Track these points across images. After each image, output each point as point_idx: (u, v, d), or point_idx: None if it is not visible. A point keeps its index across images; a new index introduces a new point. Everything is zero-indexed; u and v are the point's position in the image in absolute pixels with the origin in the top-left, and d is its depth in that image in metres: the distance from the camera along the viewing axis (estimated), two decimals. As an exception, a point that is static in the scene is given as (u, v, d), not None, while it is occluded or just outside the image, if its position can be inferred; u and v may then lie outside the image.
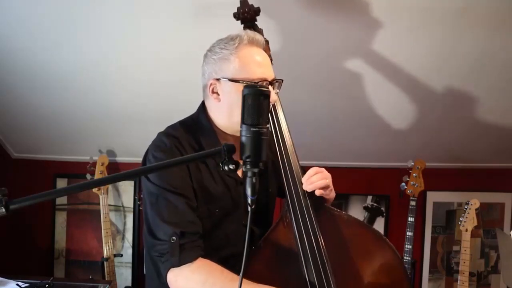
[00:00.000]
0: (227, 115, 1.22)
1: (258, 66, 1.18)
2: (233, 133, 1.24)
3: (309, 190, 1.24)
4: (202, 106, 1.30)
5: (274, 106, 1.32)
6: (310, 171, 1.26)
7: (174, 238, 1.11)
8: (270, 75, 1.20)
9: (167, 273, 1.13)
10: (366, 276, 1.21)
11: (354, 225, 1.27)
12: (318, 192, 1.24)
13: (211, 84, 1.21)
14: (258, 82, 1.16)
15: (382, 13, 1.79)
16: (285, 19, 1.80)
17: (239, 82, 1.16)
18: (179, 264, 1.11)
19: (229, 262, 1.16)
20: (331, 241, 1.20)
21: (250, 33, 1.21)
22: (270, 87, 1.18)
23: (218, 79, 1.19)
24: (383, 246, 1.24)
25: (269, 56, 1.35)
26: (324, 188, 1.24)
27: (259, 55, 1.20)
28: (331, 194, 1.31)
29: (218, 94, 1.21)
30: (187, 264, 1.11)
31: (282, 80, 1.25)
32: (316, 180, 1.24)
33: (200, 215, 1.20)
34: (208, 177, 1.23)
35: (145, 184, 1.21)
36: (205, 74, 1.24)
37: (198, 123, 1.27)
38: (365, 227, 1.32)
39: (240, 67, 1.17)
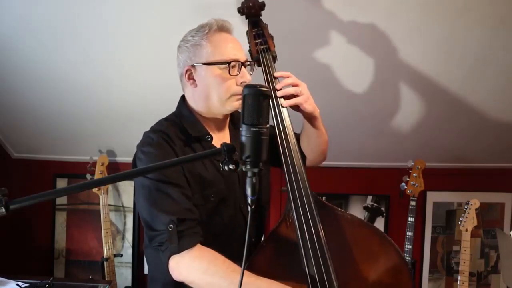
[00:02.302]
0: (204, 99, 1.26)
1: (230, 48, 1.23)
2: (213, 116, 1.29)
3: (280, 94, 1.26)
4: (182, 100, 1.34)
5: (277, 101, 1.31)
6: (284, 73, 1.28)
7: (171, 226, 1.12)
8: (242, 57, 1.24)
9: (168, 261, 1.13)
10: (369, 277, 1.20)
11: (358, 225, 1.26)
12: (285, 103, 1.25)
13: (187, 71, 1.26)
14: (230, 63, 1.21)
15: (382, 13, 1.79)
16: (290, 15, 1.81)
17: (213, 65, 1.21)
18: (178, 250, 1.11)
19: (228, 250, 1.16)
20: (334, 241, 1.19)
21: (219, 20, 1.26)
22: (244, 69, 1.23)
23: (193, 66, 1.24)
24: (388, 247, 1.22)
25: (274, 52, 1.35)
26: (296, 97, 1.25)
27: (229, 39, 1.25)
28: (309, 107, 1.26)
29: (194, 80, 1.26)
30: (187, 251, 1.12)
31: (255, 63, 1.31)
32: (288, 83, 1.25)
33: (195, 203, 1.21)
34: (198, 165, 1.25)
35: (137, 179, 1.22)
36: (180, 63, 1.28)
37: (181, 116, 1.31)
38: (369, 228, 1.31)
39: (212, 50, 1.22)
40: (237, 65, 1.22)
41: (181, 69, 1.28)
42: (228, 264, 1.12)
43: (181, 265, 1.12)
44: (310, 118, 1.31)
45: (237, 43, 1.26)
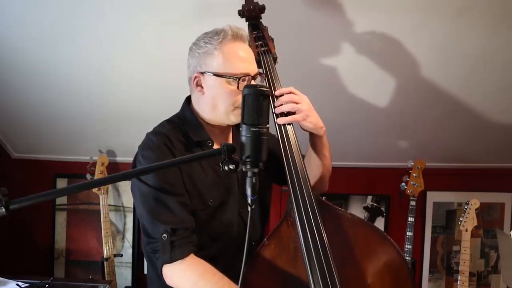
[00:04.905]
0: (211, 107, 1.25)
1: (241, 61, 1.21)
2: (218, 123, 1.28)
3: (276, 112, 1.22)
4: (186, 102, 1.33)
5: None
6: (283, 90, 1.23)
7: (165, 235, 1.14)
8: (253, 70, 1.23)
9: (161, 268, 1.16)
10: (370, 277, 1.20)
11: (358, 225, 1.27)
12: (280, 121, 1.21)
13: (195, 77, 1.24)
14: (240, 77, 1.18)
15: (382, 15, 1.79)
16: (290, 17, 1.80)
17: (222, 77, 1.19)
18: (170, 260, 1.14)
19: (227, 252, 1.16)
20: (335, 241, 1.19)
21: (234, 28, 1.23)
22: (253, 82, 1.22)
23: (202, 73, 1.22)
24: (388, 246, 1.23)
25: (274, 54, 1.35)
26: (293, 113, 1.20)
27: (242, 50, 1.22)
28: (308, 124, 1.22)
29: (202, 87, 1.24)
30: (179, 261, 1.14)
31: (265, 73, 1.29)
32: (284, 101, 1.20)
33: (194, 207, 1.21)
34: (198, 168, 1.25)
35: (135, 183, 1.22)
36: (190, 67, 1.26)
37: (184, 118, 1.30)
38: (369, 227, 1.31)
39: (223, 62, 1.20)
40: (246, 79, 1.20)
41: (190, 73, 1.26)
42: (217, 279, 1.14)
43: (173, 274, 1.15)
44: (312, 135, 1.29)
45: (249, 54, 1.24)
